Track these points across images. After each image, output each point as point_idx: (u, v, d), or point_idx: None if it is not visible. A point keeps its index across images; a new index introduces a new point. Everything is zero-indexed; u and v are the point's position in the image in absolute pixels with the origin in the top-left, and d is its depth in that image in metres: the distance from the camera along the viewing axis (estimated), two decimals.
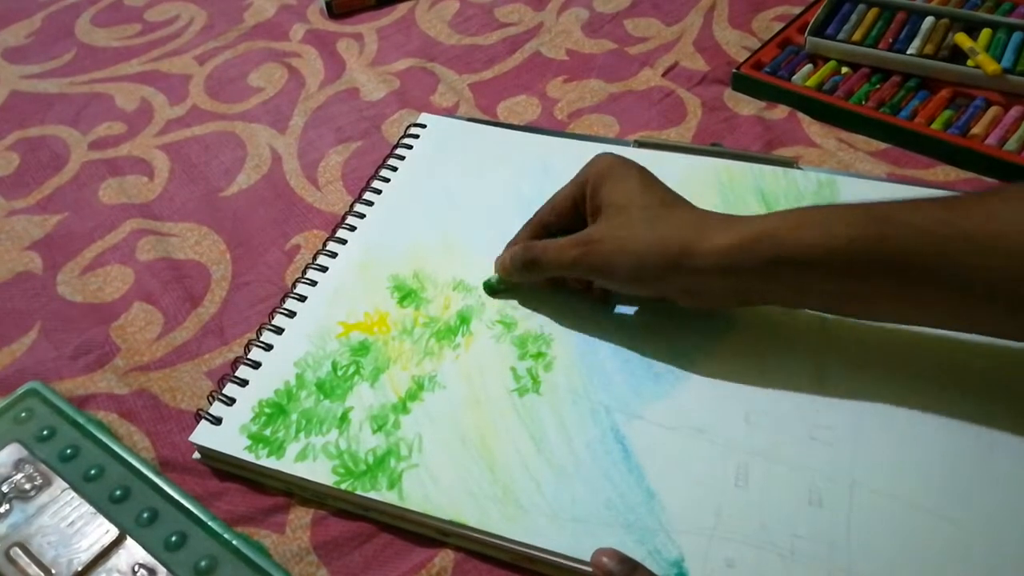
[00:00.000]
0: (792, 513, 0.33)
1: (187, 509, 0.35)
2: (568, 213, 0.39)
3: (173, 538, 0.34)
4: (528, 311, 0.41)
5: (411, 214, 0.47)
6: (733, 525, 0.33)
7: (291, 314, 0.42)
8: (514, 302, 0.42)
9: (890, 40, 0.54)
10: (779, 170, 0.46)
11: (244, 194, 0.52)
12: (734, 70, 0.54)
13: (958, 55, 0.52)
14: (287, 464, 0.36)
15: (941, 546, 0.31)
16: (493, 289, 0.42)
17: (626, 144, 0.49)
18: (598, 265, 0.36)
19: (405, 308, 0.42)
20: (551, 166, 0.48)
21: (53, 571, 0.33)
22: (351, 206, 0.48)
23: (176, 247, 0.49)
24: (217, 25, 0.66)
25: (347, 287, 0.43)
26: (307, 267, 0.45)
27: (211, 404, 0.39)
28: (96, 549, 0.34)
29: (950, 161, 0.47)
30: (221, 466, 0.38)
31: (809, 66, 0.54)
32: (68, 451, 0.37)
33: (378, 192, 0.48)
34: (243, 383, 0.39)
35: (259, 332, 0.42)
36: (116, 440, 0.38)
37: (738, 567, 0.32)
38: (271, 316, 0.42)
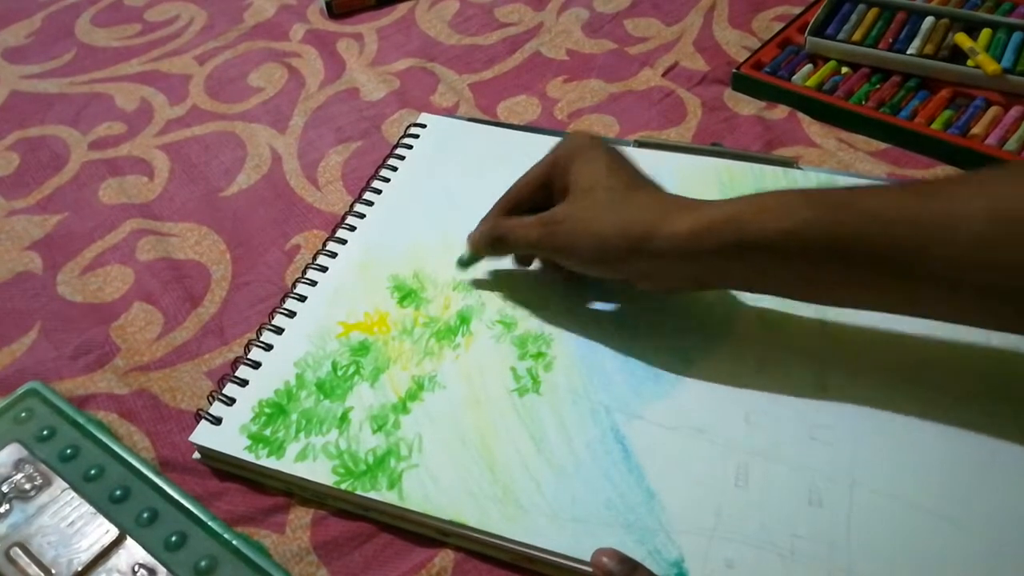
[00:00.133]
0: (792, 513, 0.33)
1: (187, 509, 0.35)
2: (538, 192, 0.39)
3: (173, 538, 0.34)
4: (528, 311, 0.41)
5: (411, 214, 0.47)
6: (733, 525, 0.33)
7: (291, 314, 0.42)
8: (513, 302, 0.42)
9: (890, 40, 0.54)
10: (779, 170, 0.46)
11: (244, 194, 0.52)
12: (734, 70, 0.54)
13: (958, 55, 0.52)
14: (287, 464, 0.36)
15: (941, 546, 0.31)
16: (464, 263, 0.42)
17: (626, 144, 0.49)
18: (561, 245, 0.37)
19: (405, 308, 0.42)
20: None
21: (53, 571, 0.33)
22: (351, 206, 0.48)
23: (176, 247, 0.49)
24: (217, 25, 0.66)
25: (347, 287, 0.43)
26: (307, 267, 0.45)
27: (211, 404, 0.39)
28: (96, 549, 0.34)
29: (950, 161, 0.47)
30: (221, 466, 0.38)
31: (809, 66, 0.54)
32: (68, 451, 0.37)
33: (378, 192, 0.48)
34: (243, 383, 0.39)
35: (259, 332, 0.42)
36: (116, 440, 0.38)
37: (738, 567, 0.32)
38: (271, 316, 0.42)
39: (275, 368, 0.40)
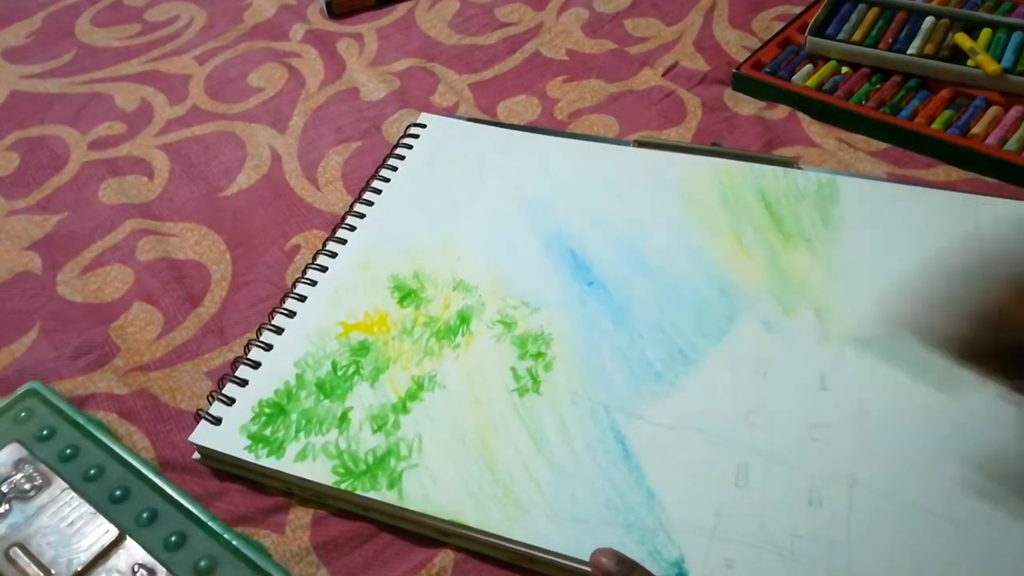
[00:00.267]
0: (792, 513, 0.33)
1: (187, 509, 0.35)
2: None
3: (173, 538, 0.34)
4: (528, 311, 0.41)
5: (411, 214, 0.47)
6: (733, 525, 0.33)
7: (291, 314, 0.42)
8: (513, 302, 0.42)
9: (890, 40, 0.54)
10: (779, 170, 0.46)
11: (244, 194, 0.52)
12: (734, 70, 0.54)
13: (958, 55, 0.52)
14: (287, 464, 0.36)
15: (941, 546, 0.31)
16: None
17: (626, 144, 0.49)
18: None
19: (405, 308, 0.42)
20: (551, 166, 0.48)
21: (53, 571, 0.33)
22: (351, 206, 0.48)
23: (176, 247, 0.49)
24: (217, 25, 0.66)
25: (347, 287, 0.43)
26: (307, 267, 0.45)
27: (211, 404, 0.39)
28: (96, 549, 0.34)
29: (950, 161, 0.47)
30: (221, 466, 0.38)
31: (809, 66, 0.54)
32: (68, 451, 0.37)
33: (378, 192, 0.48)
34: (243, 383, 0.39)
35: (259, 332, 0.42)
36: (116, 440, 0.38)
37: (738, 567, 0.32)
38: (271, 316, 0.42)
39: (275, 368, 0.40)
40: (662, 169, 0.47)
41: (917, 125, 0.49)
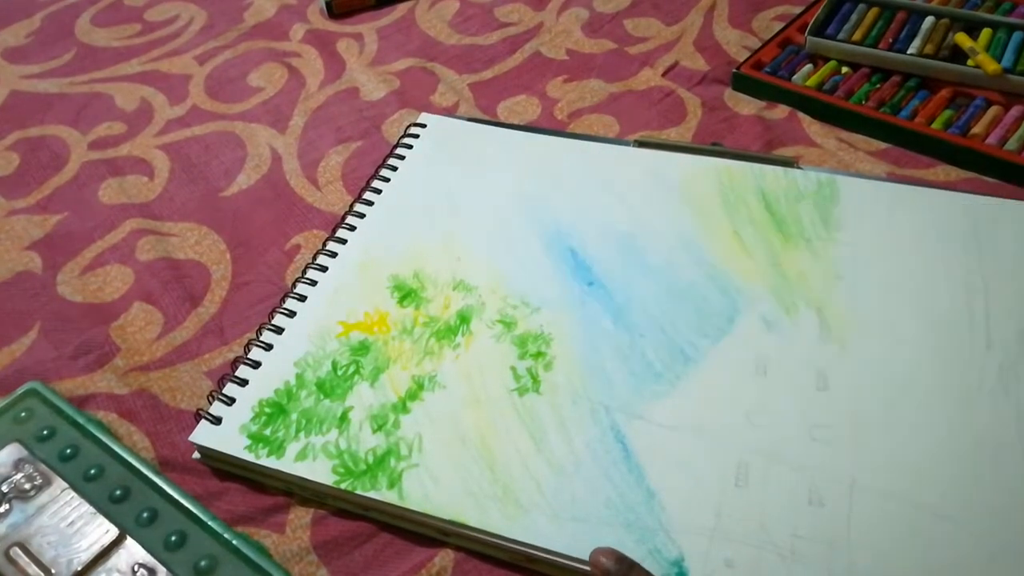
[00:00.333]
0: (792, 513, 0.33)
1: (187, 509, 0.35)
2: None
3: (173, 538, 0.34)
4: (528, 311, 0.41)
5: (411, 214, 0.47)
6: (733, 525, 0.33)
7: (291, 314, 0.42)
8: (513, 302, 0.42)
9: (890, 40, 0.54)
10: (779, 170, 0.46)
11: (244, 194, 0.52)
12: (734, 70, 0.54)
13: (958, 55, 0.52)
14: (287, 464, 0.36)
15: (941, 546, 0.31)
16: None
17: (626, 144, 0.49)
18: None
19: (405, 308, 0.42)
20: (551, 166, 0.49)
21: (53, 571, 0.33)
22: (351, 206, 0.48)
23: (176, 247, 0.49)
24: (217, 25, 0.66)
25: (347, 287, 0.43)
26: (307, 267, 0.45)
27: (211, 404, 0.39)
28: (96, 549, 0.34)
29: (950, 161, 0.47)
30: (221, 466, 0.38)
31: (809, 66, 0.54)
32: (68, 451, 0.37)
33: (378, 192, 0.48)
34: (243, 383, 0.39)
35: (259, 332, 0.42)
36: (116, 440, 0.38)
37: (738, 567, 0.32)
38: (271, 316, 0.42)
39: (275, 368, 0.40)
40: (662, 169, 0.47)
41: (917, 125, 0.49)
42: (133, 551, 0.34)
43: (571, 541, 0.33)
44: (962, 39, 0.52)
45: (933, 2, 0.56)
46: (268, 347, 0.41)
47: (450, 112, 0.55)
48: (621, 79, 0.56)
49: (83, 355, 0.43)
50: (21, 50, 0.66)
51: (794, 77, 0.53)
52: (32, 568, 0.33)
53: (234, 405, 0.39)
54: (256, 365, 0.40)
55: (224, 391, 0.39)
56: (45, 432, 0.38)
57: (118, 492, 0.36)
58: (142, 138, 0.57)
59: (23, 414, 0.39)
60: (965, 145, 0.47)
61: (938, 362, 0.37)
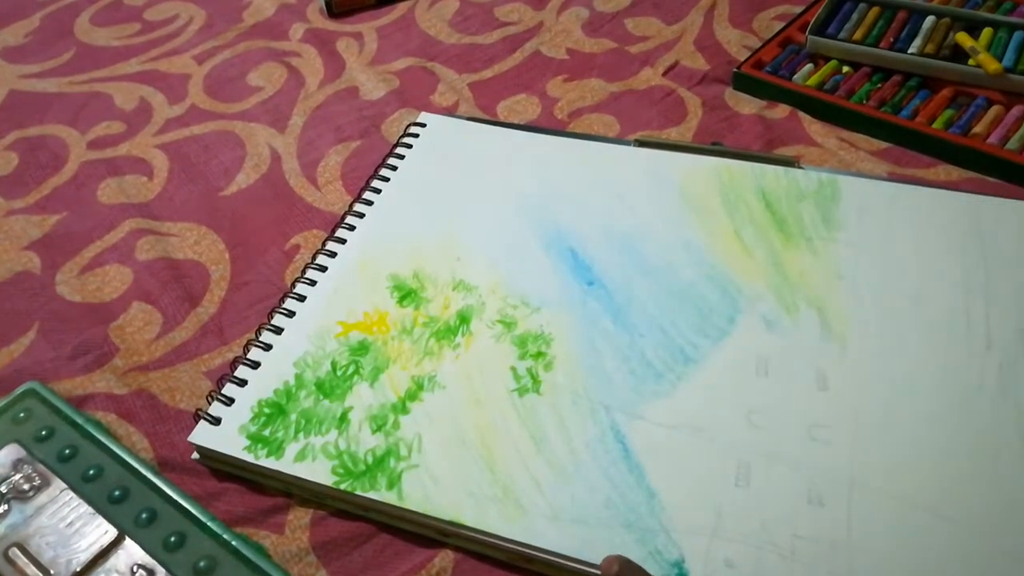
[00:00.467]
0: (792, 513, 0.33)
1: (186, 509, 0.35)
2: None
3: (172, 538, 0.34)
4: (528, 311, 0.41)
5: (411, 214, 0.47)
6: (733, 525, 0.33)
7: (290, 314, 0.42)
8: (513, 302, 0.41)
9: (891, 39, 0.54)
10: (780, 169, 0.46)
11: (243, 194, 0.52)
12: (735, 69, 0.54)
13: (959, 54, 0.52)
14: (286, 464, 0.36)
15: (941, 546, 0.31)
16: None
17: (627, 143, 0.49)
18: None
19: (405, 308, 0.42)
20: (551, 166, 0.48)
21: (52, 571, 0.33)
22: (350, 206, 0.48)
23: (175, 247, 0.49)
24: (216, 24, 0.66)
25: (346, 287, 0.43)
26: (306, 267, 0.44)
27: (210, 404, 0.39)
28: (95, 549, 0.33)
29: (951, 160, 0.47)
30: (220, 466, 0.38)
31: (810, 65, 0.54)
32: (67, 451, 0.37)
33: (378, 192, 0.48)
34: (242, 383, 0.39)
35: (258, 332, 0.42)
36: (115, 440, 0.38)
37: (738, 567, 0.32)
38: (270, 316, 0.42)
39: (274, 368, 0.40)
40: (662, 168, 0.47)
41: (918, 124, 0.49)
42: (132, 552, 0.34)
43: (571, 542, 0.33)
44: (963, 38, 0.52)
45: (934, 1, 0.56)
46: (267, 347, 0.41)
47: (450, 112, 0.55)
48: (621, 79, 0.56)
49: (82, 355, 0.43)
50: (20, 49, 0.66)
51: (795, 76, 0.53)
52: (31, 569, 0.33)
53: (233, 405, 0.38)
54: (255, 365, 0.40)
55: (223, 391, 0.39)
56: (44, 432, 0.38)
57: (117, 493, 0.35)
58: (141, 138, 0.56)
59: (22, 414, 0.39)
60: (966, 145, 0.47)
61: (938, 362, 0.37)
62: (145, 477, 0.36)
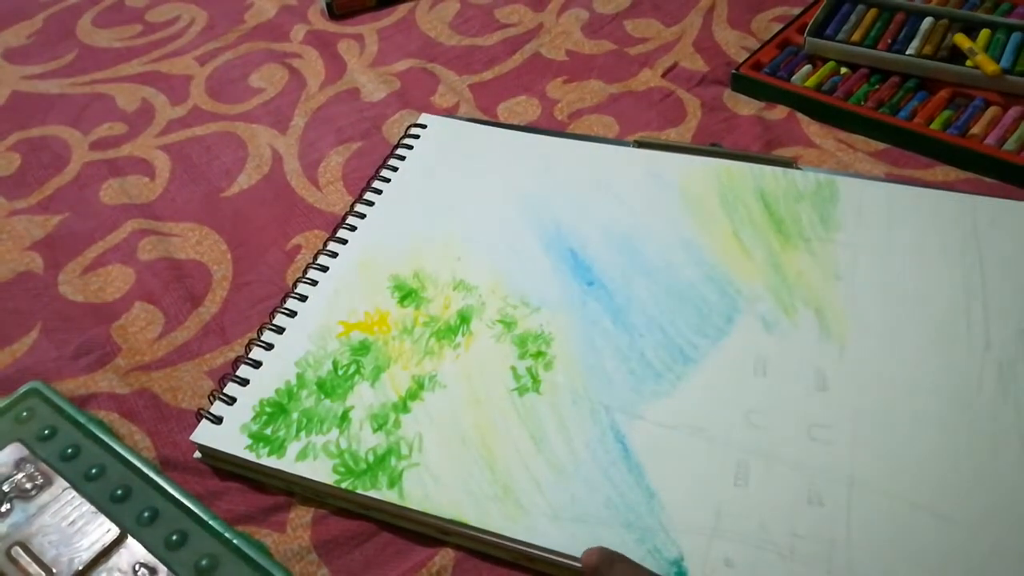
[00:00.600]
0: (792, 512, 0.33)
1: (188, 508, 0.35)
2: None
3: (174, 537, 0.34)
4: (528, 311, 0.41)
5: (411, 214, 0.47)
6: (732, 524, 0.33)
7: (292, 314, 0.42)
8: (513, 302, 0.42)
9: (889, 40, 0.54)
10: (778, 170, 0.46)
11: (245, 194, 0.52)
12: (733, 71, 0.54)
13: (957, 55, 0.52)
14: (288, 463, 0.36)
15: (940, 546, 0.32)
16: None
17: (626, 144, 0.50)
18: None
19: (405, 308, 0.42)
20: (551, 166, 0.49)
21: (54, 570, 0.33)
22: (352, 206, 0.48)
23: (177, 247, 0.49)
24: (218, 26, 0.66)
25: (348, 287, 0.43)
26: (308, 267, 0.45)
27: (212, 403, 0.39)
28: (97, 548, 0.34)
29: (949, 161, 0.48)
30: (222, 465, 0.38)
31: (808, 66, 0.54)
32: (69, 450, 0.37)
33: (379, 192, 0.48)
34: (244, 382, 0.39)
35: (260, 332, 0.42)
36: (117, 439, 0.38)
37: (737, 566, 0.32)
38: (272, 316, 0.43)
39: (276, 367, 0.40)
40: (662, 169, 0.47)
41: (916, 125, 0.49)
42: (134, 550, 0.34)
43: (571, 541, 0.33)
44: (961, 40, 0.52)
45: (932, 3, 0.56)
46: (269, 347, 0.41)
47: (450, 113, 0.56)
48: (621, 80, 0.57)
49: (84, 355, 0.43)
50: (22, 50, 0.66)
51: (793, 78, 0.54)
52: (33, 567, 0.33)
53: (235, 405, 0.39)
54: (257, 365, 0.40)
55: (225, 391, 0.39)
56: (46, 432, 0.38)
57: (119, 491, 0.36)
58: (143, 138, 0.57)
59: (24, 414, 0.39)
60: (964, 145, 0.47)
61: (937, 362, 0.37)
62: (147, 476, 0.36)
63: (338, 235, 0.46)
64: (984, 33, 0.53)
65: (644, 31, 0.61)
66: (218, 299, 0.46)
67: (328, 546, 0.35)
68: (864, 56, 0.54)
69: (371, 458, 0.36)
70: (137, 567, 0.33)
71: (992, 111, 0.49)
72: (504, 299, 0.42)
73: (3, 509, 0.35)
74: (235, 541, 0.34)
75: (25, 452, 0.37)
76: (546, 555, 0.33)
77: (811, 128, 0.51)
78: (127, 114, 0.59)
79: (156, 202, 0.52)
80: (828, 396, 0.36)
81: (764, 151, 0.50)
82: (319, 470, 0.36)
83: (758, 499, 0.33)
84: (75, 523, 0.34)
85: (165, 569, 0.33)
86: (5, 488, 0.36)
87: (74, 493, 0.35)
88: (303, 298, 0.43)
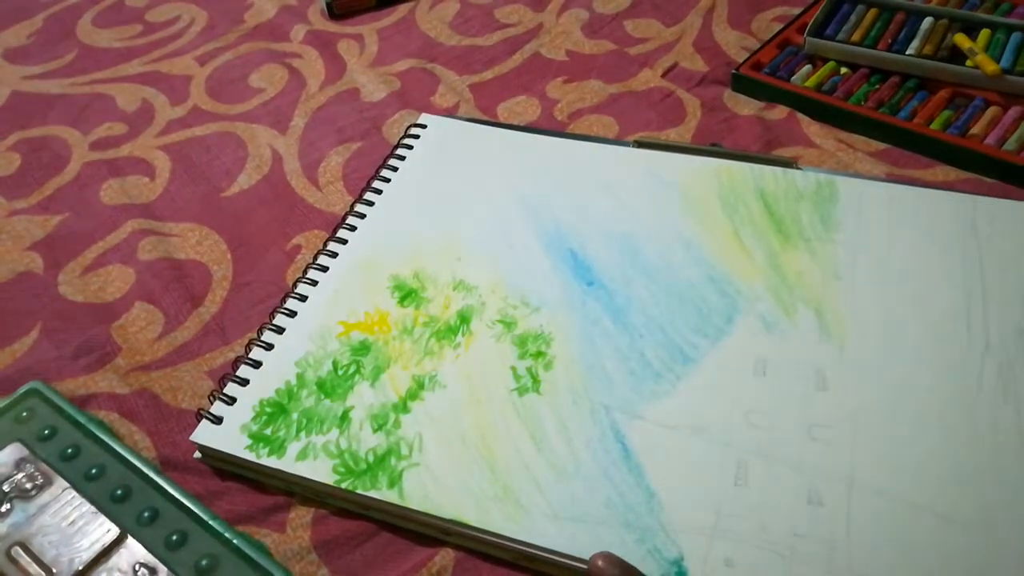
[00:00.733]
0: (792, 512, 0.33)
1: (188, 508, 0.35)
2: None
3: (174, 537, 0.34)
4: (528, 311, 0.41)
5: (411, 214, 0.47)
6: (732, 524, 0.33)
7: (292, 314, 0.42)
8: (513, 302, 0.42)
9: (889, 40, 0.54)
10: (778, 170, 0.46)
11: (245, 194, 0.52)
12: (733, 71, 0.54)
13: (957, 55, 0.52)
14: (288, 463, 0.36)
15: (940, 546, 0.32)
16: None
17: (626, 144, 0.50)
18: None
19: (405, 308, 0.42)
20: (551, 167, 0.49)
21: (54, 570, 0.33)
22: (351, 206, 0.48)
23: (177, 247, 0.49)
24: (218, 26, 0.66)
25: (348, 287, 0.43)
26: (308, 267, 0.45)
27: (212, 403, 0.39)
28: (97, 548, 0.34)
29: (949, 161, 0.48)
30: (222, 465, 0.38)
31: (808, 66, 0.54)
32: (69, 450, 0.37)
33: (378, 192, 0.48)
34: (244, 382, 0.39)
35: (260, 332, 0.42)
36: (117, 439, 0.38)
37: (737, 566, 0.32)
38: (272, 316, 0.43)
39: (276, 367, 0.40)
40: (662, 170, 0.47)
41: (916, 125, 0.49)
42: (134, 550, 0.34)
43: (571, 541, 0.33)
44: (961, 40, 0.52)
45: (932, 3, 0.56)
46: (269, 347, 0.41)
47: (450, 113, 0.56)
48: (621, 80, 0.57)
49: (84, 355, 0.43)
50: (23, 50, 0.66)
51: (793, 78, 0.54)
52: (33, 567, 0.33)
53: (235, 405, 0.39)
54: (257, 365, 0.40)
55: (225, 391, 0.39)
56: (46, 432, 0.38)
57: (119, 491, 0.36)
58: (143, 139, 0.57)
59: (24, 414, 0.39)
60: (964, 145, 0.47)
61: (937, 362, 0.37)
62: (147, 476, 0.36)
63: (338, 235, 0.46)
64: (984, 33, 0.53)
65: (644, 31, 0.61)
66: (218, 299, 0.46)
67: (328, 546, 0.35)
68: (864, 56, 0.54)
69: (371, 458, 0.36)
70: (137, 567, 0.33)
71: (992, 111, 0.49)
72: (504, 299, 0.42)
73: (3, 509, 0.35)
74: (235, 541, 0.34)
75: (25, 452, 0.37)
76: (546, 555, 0.33)
77: (811, 128, 0.51)
78: (127, 114, 0.59)
79: (156, 202, 0.52)
80: (828, 396, 0.36)
81: (764, 151, 0.50)
82: (319, 470, 0.36)
83: (758, 499, 0.33)
84: (75, 523, 0.34)
85: (165, 569, 0.33)
86: (5, 488, 0.36)
87: (74, 493, 0.35)
88: (303, 298, 0.43)
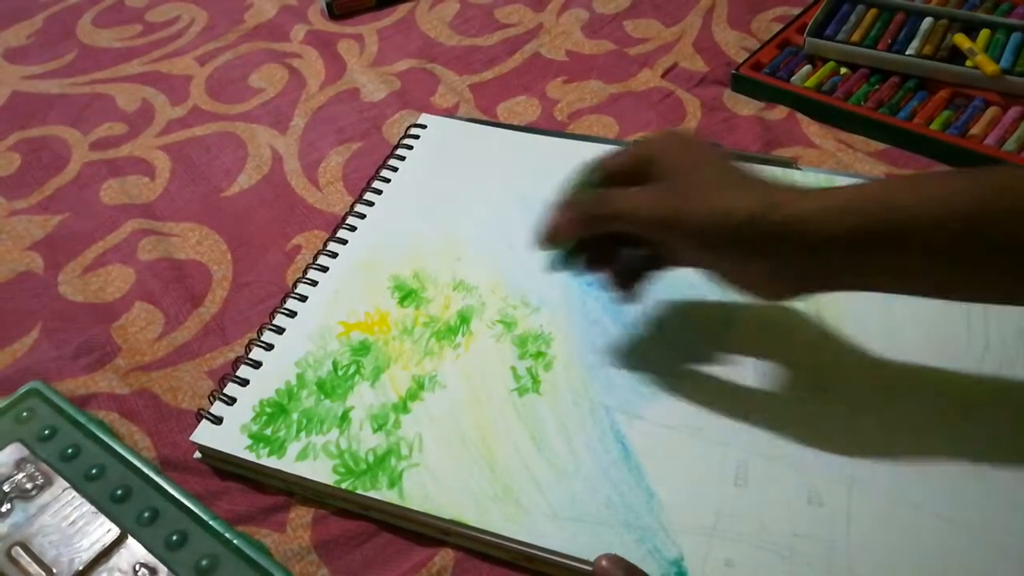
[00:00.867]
0: (792, 512, 0.33)
1: (188, 508, 0.35)
2: (633, 170, 0.34)
3: (174, 537, 0.34)
4: (528, 311, 0.41)
5: (411, 214, 0.47)
6: (732, 524, 0.33)
7: (292, 314, 0.42)
8: (514, 302, 0.42)
9: (889, 41, 0.54)
10: (778, 170, 0.46)
11: (245, 194, 0.52)
12: (733, 71, 0.54)
13: (957, 56, 0.52)
14: (288, 463, 0.36)
15: (940, 546, 0.32)
16: (558, 263, 0.37)
17: (626, 144, 0.49)
18: (677, 218, 0.32)
19: (405, 308, 0.42)
20: (551, 167, 0.48)
21: (54, 570, 0.33)
22: (352, 206, 0.48)
23: (177, 247, 0.49)
24: (218, 26, 0.66)
25: (348, 287, 0.43)
26: (308, 267, 0.45)
27: (212, 404, 0.39)
28: (97, 548, 0.34)
29: (949, 161, 0.48)
30: (222, 465, 0.38)
31: (808, 67, 0.54)
32: (69, 451, 0.37)
33: (378, 192, 0.48)
34: (244, 383, 0.40)
35: (260, 332, 0.42)
36: (117, 440, 0.38)
37: (737, 566, 0.32)
38: (272, 316, 0.43)
39: (276, 368, 0.40)
40: None
41: (916, 126, 0.49)
42: (134, 550, 0.34)
43: (571, 541, 0.33)
44: (961, 40, 0.52)
45: (932, 3, 0.56)
46: (269, 347, 0.41)
47: (450, 113, 0.56)
48: (621, 80, 0.57)
49: (84, 355, 0.43)
50: (22, 50, 0.66)
51: (793, 78, 0.54)
52: (33, 567, 0.33)
53: (235, 405, 0.39)
54: (257, 365, 0.40)
55: (225, 391, 0.39)
56: (46, 432, 0.38)
57: (119, 492, 0.36)
58: (143, 139, 0.57)
59: (24, 414, 0.39)
60: (963, 146, 0.47)
61: (937, 362, 0.37)
62: (147, 476, 0.36)
63: (338, 235, 0.46)
64: (984, 33, 0.53)
65: (644, 31, 0.61)
66: (218, 299, 0.46)
67: (328, 546, 0.35)
68: (864, 56, 0.54)
69: (371, 458, 0.36)
70: (137, 567, 0.33)
71: (992, 111, 0.49)
72: (504, 299, 0.42)
73: (3, 509, 0.35)
74: (235, 541, 0.34)
75: (25, 452, 0.37)
76: (546, 555, 0.33)
77: (811, 128, 0.51)
78: (127, 114, 0.59)
79: (156, 202, 0.52)
80: (828, 396, 0.36)
81: (764, 151, 0.50)
82: (319, 470, 0.36)
83: (758, 499, 0.33)
84: (75, 523, 0.34)
85: (165, 569, 0.33)
86: (5, 488, 0.36)
87: (74, 493, 0.35)
88: (303, 298, 0.43)
